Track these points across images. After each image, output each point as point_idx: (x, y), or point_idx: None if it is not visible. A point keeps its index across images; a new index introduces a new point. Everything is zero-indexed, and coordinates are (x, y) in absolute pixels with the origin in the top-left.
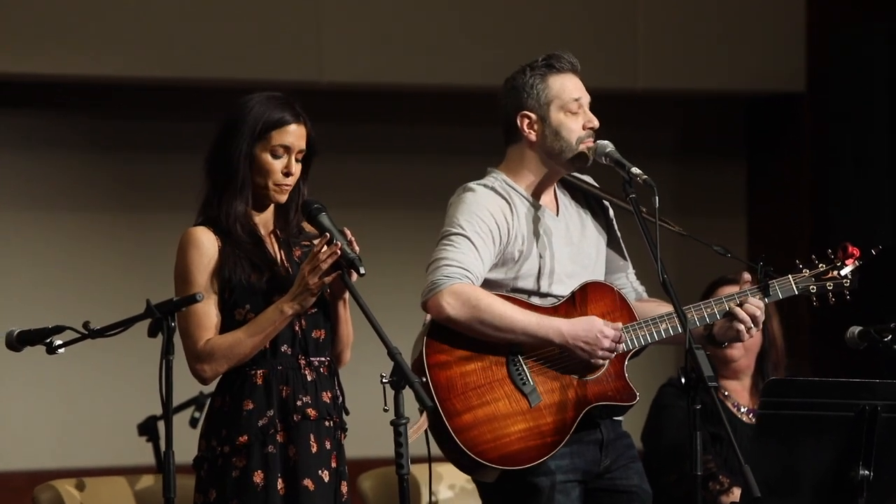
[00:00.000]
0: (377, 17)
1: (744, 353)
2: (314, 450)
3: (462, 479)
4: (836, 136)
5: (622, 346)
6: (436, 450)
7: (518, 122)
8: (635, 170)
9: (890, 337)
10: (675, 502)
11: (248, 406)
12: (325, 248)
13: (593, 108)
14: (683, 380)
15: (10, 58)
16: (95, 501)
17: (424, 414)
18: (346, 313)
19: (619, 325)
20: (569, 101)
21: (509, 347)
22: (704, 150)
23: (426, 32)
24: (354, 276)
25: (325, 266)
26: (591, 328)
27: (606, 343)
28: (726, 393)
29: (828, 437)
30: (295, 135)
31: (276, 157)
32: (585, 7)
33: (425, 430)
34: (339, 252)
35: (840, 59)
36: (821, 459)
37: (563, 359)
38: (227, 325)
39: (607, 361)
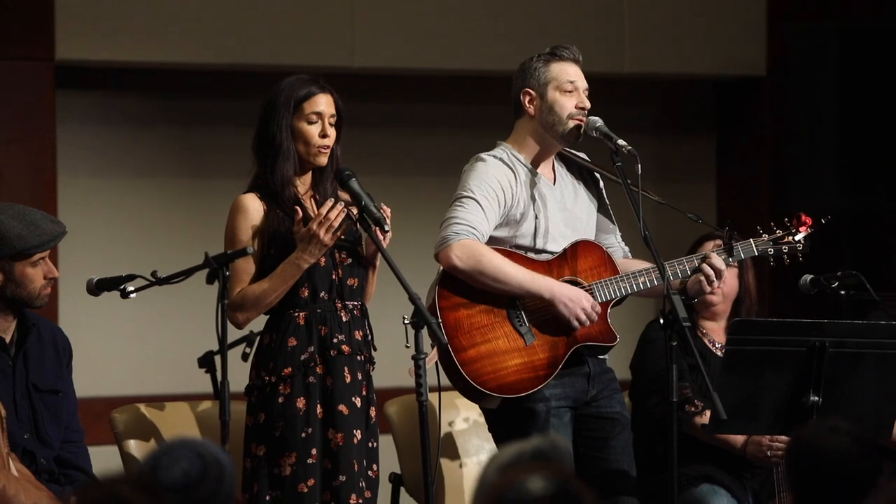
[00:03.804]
0: (404, 10)
1: (722, 300)
2: (348, 380)
3: (471, 409)
4: (792, 114)
5: (595, 317)
6: (445, 382)
7: (521, 98)
8: (621, 142)
9: (836, 284)
10: (656, 422)
11: (291, 343)
12: (334, 208)
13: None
14: (662, 321)
15: (91, 47)
16: (162, 422)
17: (435, 349)
18: (374, 278)
19: (598, 307)
20: (564, 83)
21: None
22: (680, 126)
23: (443, 24)
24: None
25: (336, 223)
26: (577, 292)
27: (587, 305)
28: (704, 331)
29: (784, 369)
30: (324, 102)
31: (311, 123)
32: (581, 4)
33: (436, 364)
34: (346, 211)
35: (796, 48)
36: (778, 388)
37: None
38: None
39: (579, 325)
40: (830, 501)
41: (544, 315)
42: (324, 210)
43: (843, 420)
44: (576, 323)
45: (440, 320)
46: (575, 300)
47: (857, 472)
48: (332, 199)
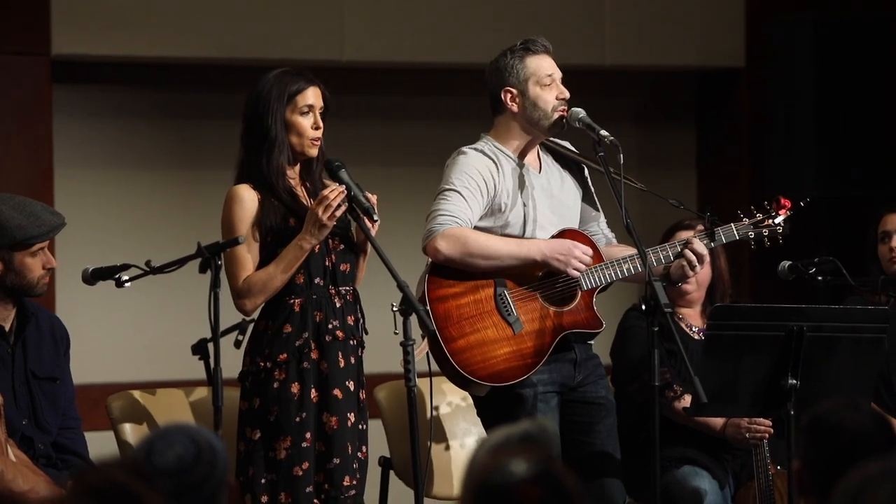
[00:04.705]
0: (392, 3)
1: (696, 288)
2: (342, 365)
3: (458, 393)
4: (770, 104)
5: (589, 260)
6: (436, 368)
7: (502, 97)
8: (604, 132)
9: (814, 270)
10: (637, 407)
11: (287, 329)
12: (334, 190)
13: (570, 80)
14: (644, 307)
15: (87, 42)
16: (157, 408)
17: (426, 340)
18: (364, 263)
19: (589, 250)
20: (543, 77)
21: (497, 283)
22: (662, 116)
23: (431, 18)
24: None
25: (335, 204)
26: (565, 243)
27: (578, 252)
28: (681, 316)
29: (763, 352)
30: (314, 94)
31: (303, 115)
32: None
33: (427, 352)
34: (345, 192)
35: (773, 41)
36: (757, 371)
37: (543, 292)
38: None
39: (579, 273)
40: (839, 475)
41: (532, 303)
42: (326, 192)
43: (865, 400)
44: (574, 272)
45: (430, 311)
46: (565, 252)
47: (871, 451)
48: (337, 185)
